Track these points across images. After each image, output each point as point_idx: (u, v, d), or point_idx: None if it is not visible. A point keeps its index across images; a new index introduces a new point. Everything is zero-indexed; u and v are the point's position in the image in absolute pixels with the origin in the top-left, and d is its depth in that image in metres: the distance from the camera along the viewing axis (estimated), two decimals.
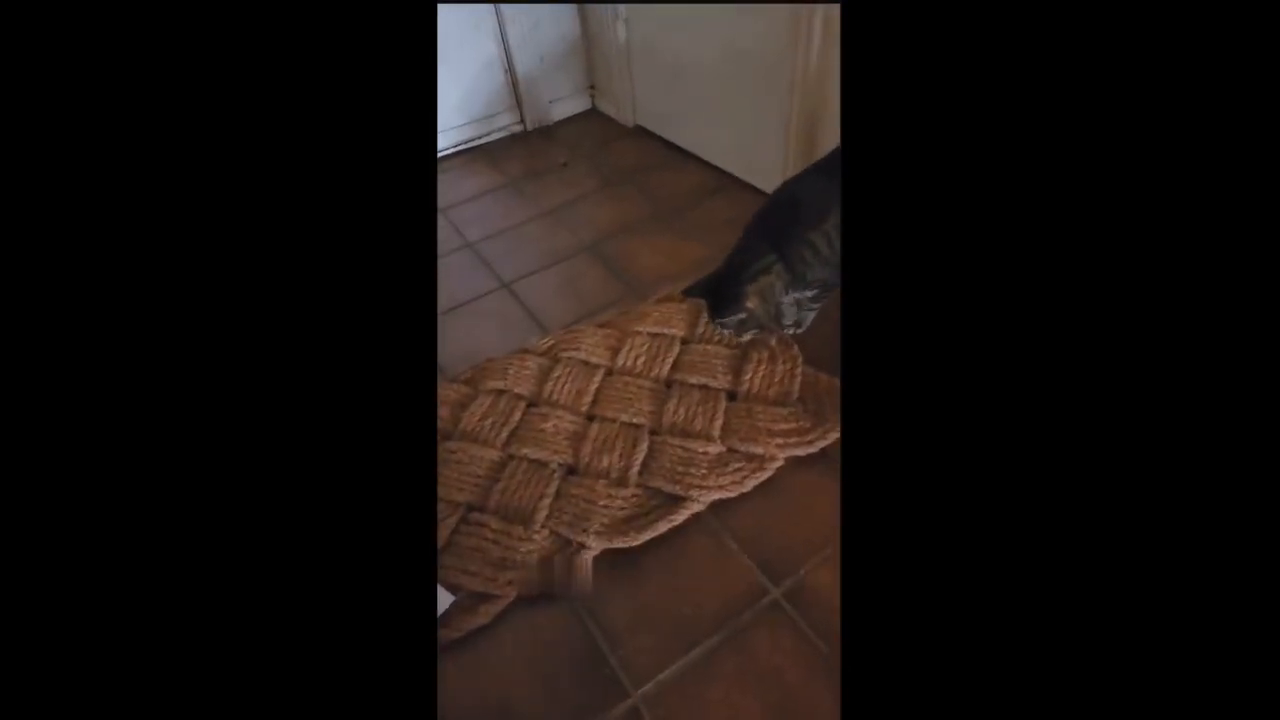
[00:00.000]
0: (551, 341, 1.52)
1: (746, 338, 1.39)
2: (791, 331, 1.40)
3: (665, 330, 1.50)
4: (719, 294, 1.32)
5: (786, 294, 1.32)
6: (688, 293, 1.41)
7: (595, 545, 1.12)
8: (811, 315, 1.41)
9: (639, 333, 1.50)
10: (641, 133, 2.31)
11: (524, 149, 2.30)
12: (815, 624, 1.00)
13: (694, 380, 1.38)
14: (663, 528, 1.14)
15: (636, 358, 1.45)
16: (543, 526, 1.15)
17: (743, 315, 1.30)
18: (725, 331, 1.42)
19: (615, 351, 1.47)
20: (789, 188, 1.32)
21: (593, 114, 2.46)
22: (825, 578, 1.05)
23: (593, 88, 2.44)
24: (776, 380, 1.36)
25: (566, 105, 2.44)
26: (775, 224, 1.30)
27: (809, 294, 1.35)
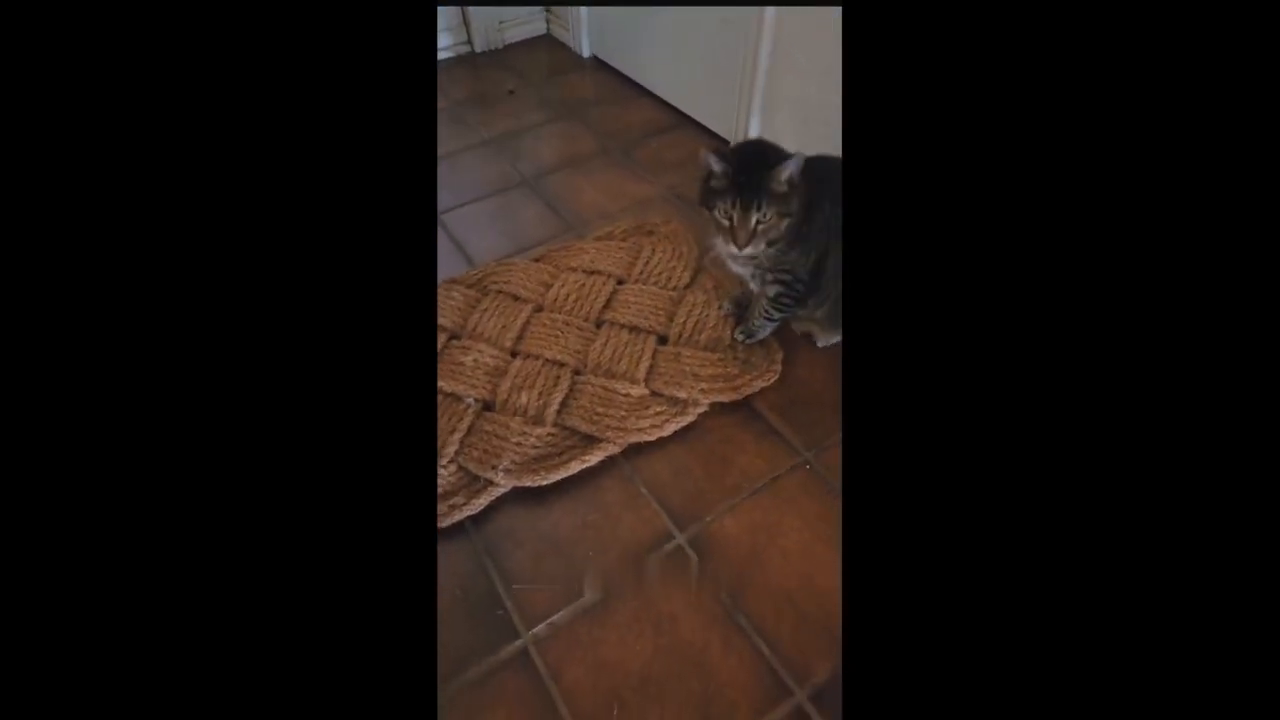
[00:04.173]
0: (481, 273, 1.44)
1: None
2: (742, 339, 1.28)
3: (601, 268, 1.43)
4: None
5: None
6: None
7: (504, 483, 1.07)
8: (767, 328, 1.26)
9: (573, 269, 1.44)
10: (597, 64, 2.18)
11: (469, 72, 2.16)
12: (715, 573, 0.97)
13: (624, 321, 1.32)
14: (575, 468, 1.09)
15: (568, 295, 1.38)
16: (451, 461, 1.10)
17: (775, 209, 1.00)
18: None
19: (547, 287, 1.41)
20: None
21: (547, 40, 2.32)
22: (730, 526, 1.03)
23: (549, 12, 2.30)
24: (710, 325, 1.32)
25: (519, 29, 2.29)
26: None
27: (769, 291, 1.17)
